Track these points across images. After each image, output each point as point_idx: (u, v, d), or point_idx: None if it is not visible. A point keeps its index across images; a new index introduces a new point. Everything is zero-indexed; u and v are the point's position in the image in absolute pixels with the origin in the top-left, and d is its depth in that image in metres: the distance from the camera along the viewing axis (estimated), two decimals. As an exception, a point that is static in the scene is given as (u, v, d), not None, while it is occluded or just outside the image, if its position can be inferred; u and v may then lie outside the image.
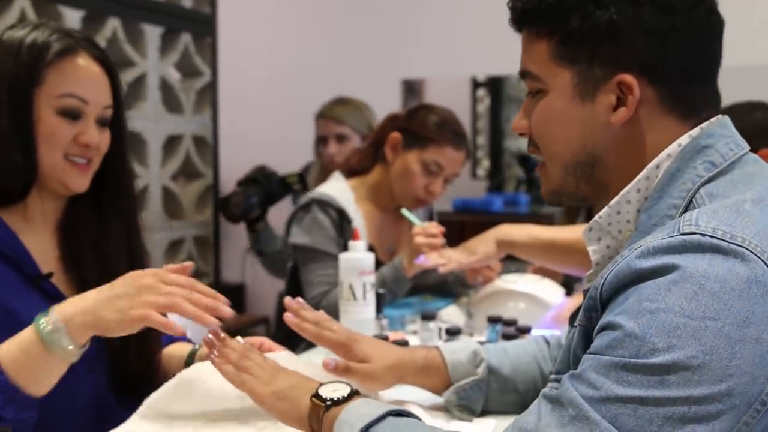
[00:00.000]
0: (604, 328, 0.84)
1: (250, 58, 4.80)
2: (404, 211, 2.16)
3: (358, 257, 1.78)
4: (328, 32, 4.86)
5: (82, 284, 1.31)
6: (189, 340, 1.53)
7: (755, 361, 0.77)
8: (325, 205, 2.22)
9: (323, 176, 2.76)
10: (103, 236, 1.36)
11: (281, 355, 1.32)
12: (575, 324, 0.94)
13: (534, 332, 1.73)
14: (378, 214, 2.33)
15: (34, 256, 1.27)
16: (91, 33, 2.58)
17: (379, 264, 2.04)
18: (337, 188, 2.29)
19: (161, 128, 2.82)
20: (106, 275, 1.31)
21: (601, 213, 0.99)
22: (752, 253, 0.80)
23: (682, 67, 0.95)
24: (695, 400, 0.76)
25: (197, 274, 2.71)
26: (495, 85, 5.14)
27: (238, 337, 1.28)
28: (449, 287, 2.42)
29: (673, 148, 0.95)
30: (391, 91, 4.75)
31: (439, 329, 1.83)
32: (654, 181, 0.95)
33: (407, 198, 2.25)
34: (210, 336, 1.15)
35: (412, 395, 1.37)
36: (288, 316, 1.33)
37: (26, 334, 1.10)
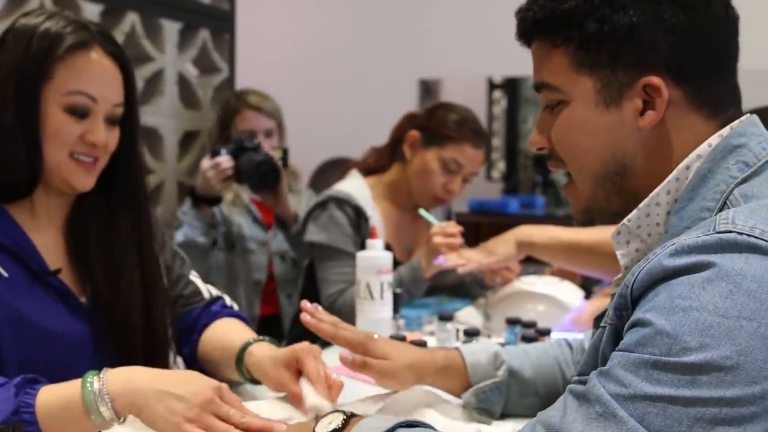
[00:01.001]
0: (633, 325, 0.82)
1: (268, 56, 4.80)
2: (422, 212, 2.14)
3: (375, 256, 1.76)
4: (346, 30, 4.86)
5: (90, 281, 1.29)
6: (244, 319, 1.49)
7: None
8: (343, 202, 2.20)
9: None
10: (111, 234, 1.33)
11: (261, 404, 1.26)
12: (603, 324, 0.92)
13: (554, 335, 1.70)
14: (395, 213, 2.32)
15: (41, 251, 1.25)
16: (110, 27, 2.56)
17: (396, 263, 2.02)
18: (355, 186, 2.28)
19: (178, 124, 2.81)
20: (114, 273, 1.30)
21: (629, 216, 0.97)
22: None
23: (706, 64, 0.94)
24: (727, 401, 0.74)
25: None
26: (512, 87, 5.12)
27: None
28: (467, 288, 2.40)
29: (703, 148, 0.93)
30: (408, 91, 4.73)
31: (457, 330, 1.81)
32: (684, 182, 0.93)
33: (425, 196, 2.23)
34: None
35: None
36: (305, 317, 1.31)
37: (71, 390, 1.06)
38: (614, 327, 0.89)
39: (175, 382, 1.06)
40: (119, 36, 2.58)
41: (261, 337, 1.39)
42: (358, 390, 1.49)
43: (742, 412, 0.74)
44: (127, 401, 1.04)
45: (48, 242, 1.28)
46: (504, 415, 1.30)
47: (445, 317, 1.80)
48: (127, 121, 1.32)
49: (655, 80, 0.92)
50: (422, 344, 1.49)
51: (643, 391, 0.77)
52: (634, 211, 0.96)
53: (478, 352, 1.32)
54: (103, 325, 1.29)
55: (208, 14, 2.99)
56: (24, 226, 1.25)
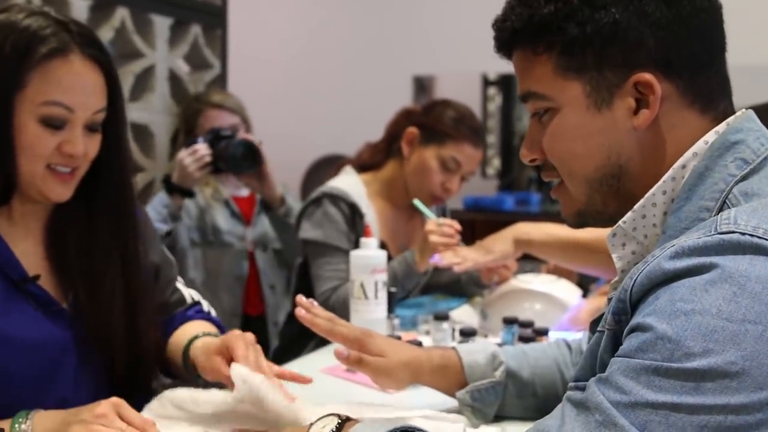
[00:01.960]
0: (633, 330, 0.80)
1: (261, 52, 4.77)
2: (417, 202, 2.11)
3: (369, 255, 1.73)
4: (340, 26, 4.83)
5: (70, 288, 1.25)
6: (215, 323, 1.48)
7: None
8: (337, 199, 2.17)
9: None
10: (91, 240, 1.27)
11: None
12: (600, 329, 0.89)
13: (552, 335, 1.68)
14: (391, 210, 2.29)
15: (20, 259, 1.21)
16: (99, 23, 2.53)
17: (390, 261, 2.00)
18: (349, 182, 2.24)
19: (169, 121, 2.77)
20: (94, 280, 1.26)
21: (625, 218, 0.94)
22: None
23: (695, 56, 0.91)
24: (732, 408, 0.72)
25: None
26: (506, 83, 5.10)
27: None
28: (462, 286, 2.37)
29: (699, 146, 0.90)
30: (402, 87, 4.71)
31: (453, 330, 1.79)
32: (681, 182, 0.90)
33: (423, 194, 2.20)
34: None
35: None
36: (300, 312, 1.28)
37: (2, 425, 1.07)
38: (613, 332, 0.86)
39: (87, 409, 1.06)
40: (109, 32, 2.54)
41: (209, 332, 1.37)
42: (349, 391, 1.47)
43: (749, 420, 0.72)
44: None
45: (27, 250, 1.23)
46: (500, 417, 1.27)
47: (441, 317, 1.77)
48: (110, 124, 1.25)
49: (647, 76, 0.89)
50: (418, 344, 1.46)
51: (644, 398, 0.74)
52: (629, 213, 0.94)
53: (475, 352, 1.29)
54: (85, 331, 1.26)
55: (199, 9, 2.96)
56: (2, 233, 1.21)
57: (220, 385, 1.25)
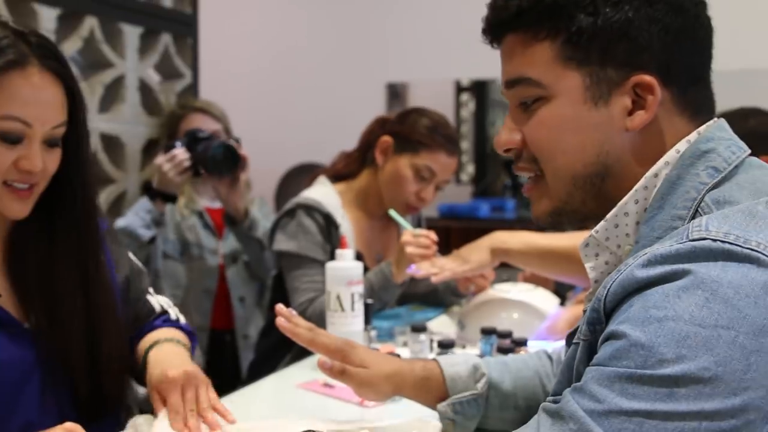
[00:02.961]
0: (607, 338, 0.79)
1: (232, 60, 4.74)
2: (392, 213, 2.09)
3: (345, 266, 1.70)
4: (312, 34, 4.81)
5: (31, 308, 1.22)
6: (184, 329, 1.45)
7: None
8: (311, 210, 2.14)
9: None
10: (51, 259, 1.24)
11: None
12: (576, 340, 0.88)
13: (530, 344, 1.66)
14: (366, 221, 2.26)
15: None
16: (68, 32, 2.49)
17: (367, 272, 1.97)
18: (324, 193, 2.22)
19: (140, 131, 2.74)
20: (54, 300, 1.22)
21: (597, 227, 0.94)
22: None
23: (692, 68, 0.92)
24: (707, 414, 0.71)
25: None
26: (479, 89, 5.11)
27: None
28: (440, 296, 2.35)
29: (671, 154, 0.90)
30: (375, 95, 4.70)
31: (431, 341, 1.76)
32: (653, 191, 0.90)
33: (397, 204, 2.17)
34: None
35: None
36: (281, 321, 1.26)
37: None
38: (588, 342, 0.86)
39: None
40: (77, 41, 2.50)
41: (171, 337, 1.35)
42: (326, 406, 1.44)
43: (723, 426, 0.71)
44: None
45: None
46: (481, 431, 1.25)
47: (419, 328, 1.75)
48: (71, 139, 1.21)
49: (648, 79, 0.89)
50: (396, 357, 1.44)
51: (618, 406, 0.74)
52: (602, 223, 0.93)
53: (457, 364, 1.27)
54: (47, 350, 1.22)
55: (169, 18, 2.92)
56: None
57: None
